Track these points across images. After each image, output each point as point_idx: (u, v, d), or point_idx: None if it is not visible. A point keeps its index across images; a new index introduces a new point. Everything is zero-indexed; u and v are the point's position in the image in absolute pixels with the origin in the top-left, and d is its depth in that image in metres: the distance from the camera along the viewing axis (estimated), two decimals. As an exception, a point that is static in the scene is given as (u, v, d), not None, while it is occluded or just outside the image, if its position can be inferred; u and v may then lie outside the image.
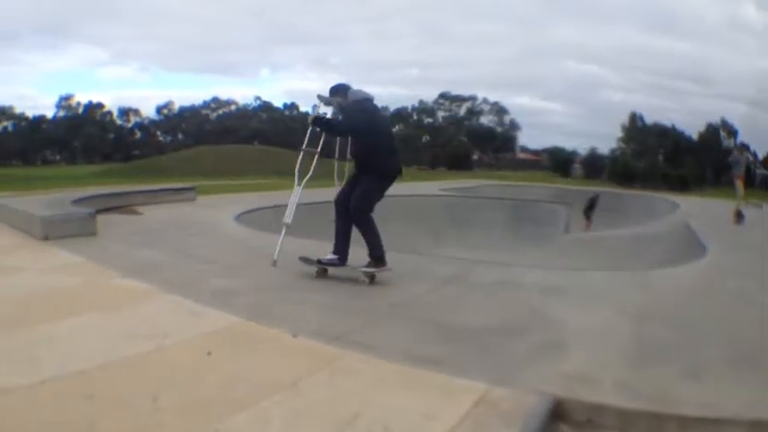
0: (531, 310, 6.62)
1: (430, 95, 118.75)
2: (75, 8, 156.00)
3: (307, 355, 5.00)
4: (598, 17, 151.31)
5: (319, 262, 8.16)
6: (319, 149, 8.36)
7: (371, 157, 7.90)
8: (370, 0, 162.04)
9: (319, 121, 8.00)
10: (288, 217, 8.34)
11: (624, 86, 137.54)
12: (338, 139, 8.53)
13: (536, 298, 7.18)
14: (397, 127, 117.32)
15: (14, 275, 7.81)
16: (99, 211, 13.07)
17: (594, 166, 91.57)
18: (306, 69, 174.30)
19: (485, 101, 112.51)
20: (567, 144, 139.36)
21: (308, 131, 8.28)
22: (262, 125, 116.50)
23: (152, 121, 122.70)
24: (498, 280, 8.25)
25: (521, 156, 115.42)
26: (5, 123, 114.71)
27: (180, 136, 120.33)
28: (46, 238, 10.48)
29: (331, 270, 8.17)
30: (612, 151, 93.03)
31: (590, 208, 28.31)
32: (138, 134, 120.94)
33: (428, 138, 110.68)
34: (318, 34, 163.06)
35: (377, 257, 7.88)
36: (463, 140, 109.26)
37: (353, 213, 7.88)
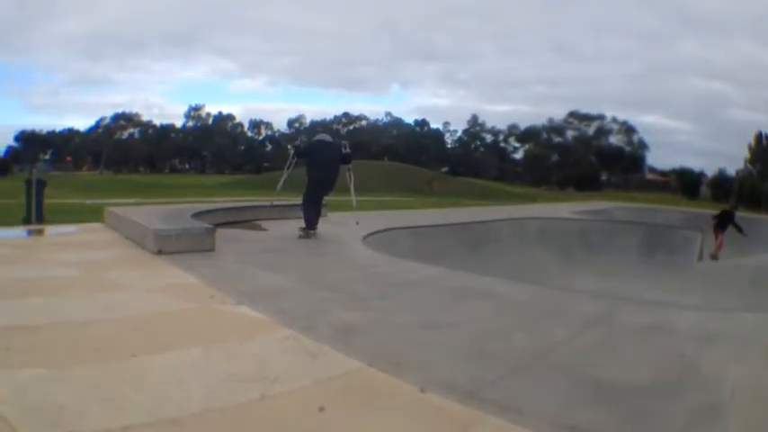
0: (684, 363, 5.62)
1: (558, 113, 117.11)
2: (205, 20, 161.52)
3: (436, 417, 4.16)
4: (722, 31, 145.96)
5: (301, 229, 13.49)
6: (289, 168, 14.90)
7: (308, 170, 13.68)
8: (499, 15, 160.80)
9: (295, 148, 14.59)
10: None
11: (749, 104, 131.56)
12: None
13: (689, 346, 6.10)
14: (526, 146, 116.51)
15: (117, 294, 7.44)
16: (221, 225, 13.09)
17: (722, 188, 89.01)
18: (435, 86, 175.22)
19: (614, 120, 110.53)
20: (694, 164, 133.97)
21: (290, 157, 14.70)
22: (392, 141, 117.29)
23: (283, 135, 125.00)
24: (647, 323, 7.12)
25: (648, 177, 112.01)
26: (132, 130, 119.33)
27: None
28: (159, 253, 10.18)
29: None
30: (738, 172, 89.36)
31: (722, 224, 26.06)
32: (269, 146, 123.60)
33: (557, 157, 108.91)
34: (447, 50, 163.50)
35: (305, 228, 13.50)
36: (592, 160, 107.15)
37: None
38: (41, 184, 16.65)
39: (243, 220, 15.59)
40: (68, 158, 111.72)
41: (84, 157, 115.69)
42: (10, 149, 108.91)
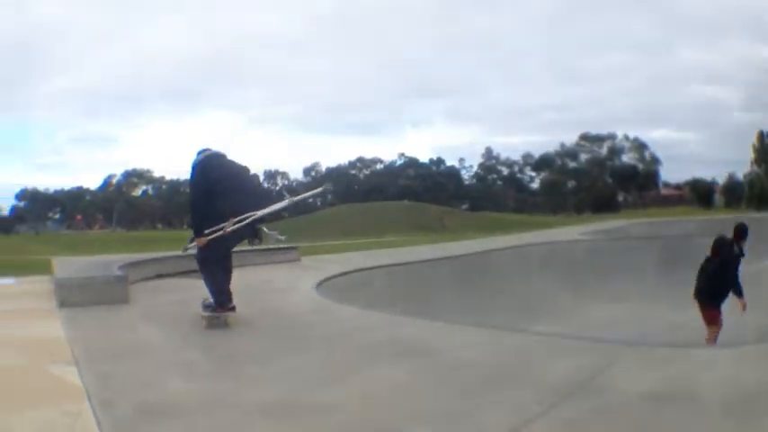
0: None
1: (569, 138, 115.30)
2: (206, 74, 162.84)
3: None
4: (715, 32, 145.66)
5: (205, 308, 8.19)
6: None
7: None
8: (499, 42, 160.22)
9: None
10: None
11: (748, 105, 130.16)
12: None
13: (718, 424, 4.06)
14: (542, 174, 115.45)
15: None
16: (165, 276, 12.97)
17: (734, 193, 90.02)
18: (447, 122, 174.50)
19: (625, 137, 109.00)
20: (706, 173, 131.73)
21: None
22: (409, 182, 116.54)
23: (300, 183, 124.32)
24: (652, 387, 4.82)
25: (664, 192, 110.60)
26: (144, 187, 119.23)
27: (329, 197, 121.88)
28: (63, 305, 9.26)
29: None
30: (746, 176, 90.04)
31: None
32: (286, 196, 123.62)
33: (573, 182, 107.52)
34: (454, 84, 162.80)
35: (211, 305, 8.18)
36: (607, 181, 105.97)
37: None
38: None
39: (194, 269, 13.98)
40: (78, 217, 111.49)
41: (94, 216, 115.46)
42: (14, 208, 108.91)
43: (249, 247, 13.38)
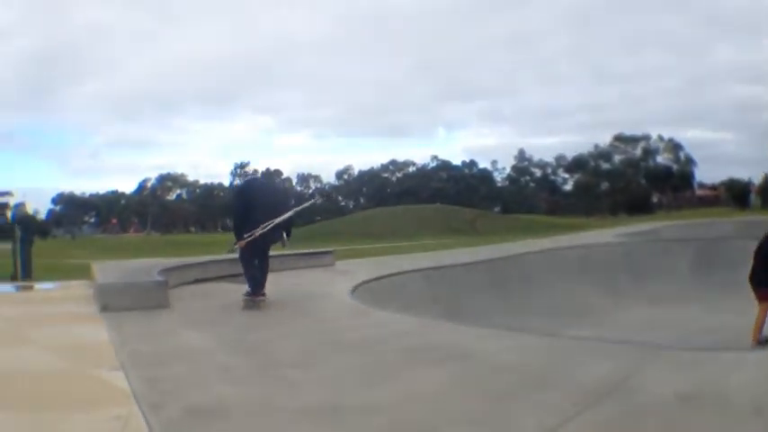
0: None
1: (603, 139, 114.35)
2: (239, 77, 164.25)
3: None
4: (750, 32, 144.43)
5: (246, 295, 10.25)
6: None
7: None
8: (533, 44, 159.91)
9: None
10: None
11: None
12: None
13: (747, 426, 4.07)
14: (575, 176, 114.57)
15: (14, 350, 7.23)
16: (205, 280, 13.00)
17: None
18: (479, 125, 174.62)
19: (659, 138, 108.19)
20: (742, 174, 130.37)
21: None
22: (442, 185, 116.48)
23: (332, 187, 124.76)
24: (683, 390, 4.79)
25: (699, 193, 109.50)
26: (179, 191, 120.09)
27: (361, 200, 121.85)
28: (105, 309, 9.50)
29: None
30: None
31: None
32: (319, 200, 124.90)
33: (607, 184, 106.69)
34: (487, 87, 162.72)
35: (250, 293, 10.29)
36: (641, 183, 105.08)
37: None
38: (26, 243, 17.59)
39: (232, 274, 14.08)
40: (113, 221, 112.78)
41: (129, 220, 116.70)
42: (51, 212, 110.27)
43: (286, 252, 13.77)
